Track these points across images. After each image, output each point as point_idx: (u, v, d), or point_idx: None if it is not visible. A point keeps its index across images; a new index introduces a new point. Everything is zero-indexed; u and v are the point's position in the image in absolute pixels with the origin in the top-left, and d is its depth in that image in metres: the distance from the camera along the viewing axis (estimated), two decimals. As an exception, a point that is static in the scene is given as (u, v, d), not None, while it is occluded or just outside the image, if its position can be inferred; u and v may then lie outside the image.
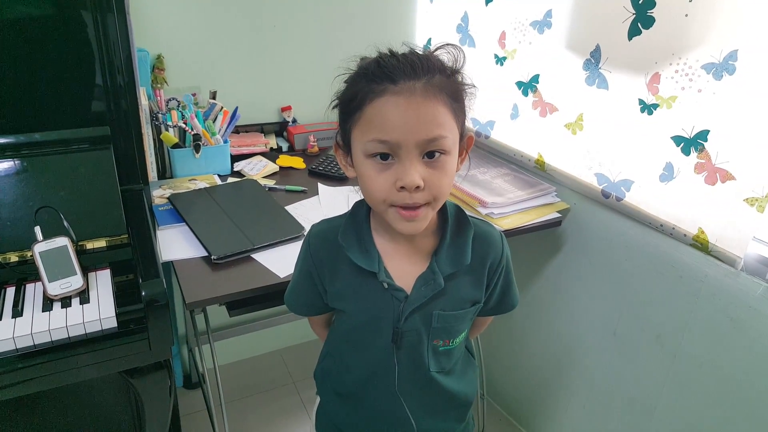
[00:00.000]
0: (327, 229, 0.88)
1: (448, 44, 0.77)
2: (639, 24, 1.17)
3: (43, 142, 1.13)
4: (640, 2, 1.16)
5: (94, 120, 1.18)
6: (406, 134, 0.71)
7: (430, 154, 0.73)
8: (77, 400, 1.22)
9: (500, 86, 1.58)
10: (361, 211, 0.86)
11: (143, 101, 1.36)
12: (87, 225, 1.11)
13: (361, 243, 0.84)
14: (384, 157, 0.73)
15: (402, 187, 0.72)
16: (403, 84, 0.71)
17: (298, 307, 0.95)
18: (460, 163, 0.81)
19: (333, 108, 0.80)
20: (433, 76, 0.73)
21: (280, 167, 1.61)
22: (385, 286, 0.82)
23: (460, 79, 0.77)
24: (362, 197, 0.82)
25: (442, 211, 0.85)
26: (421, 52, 0.76)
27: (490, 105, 1.64)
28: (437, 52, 0.77)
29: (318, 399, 1.05)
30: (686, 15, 1.08)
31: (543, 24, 1.41)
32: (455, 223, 0.85)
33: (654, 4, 1.13)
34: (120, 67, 1.15)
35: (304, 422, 1.80)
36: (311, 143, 1.73)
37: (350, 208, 0.88)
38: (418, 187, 0.72)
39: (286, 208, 1.36)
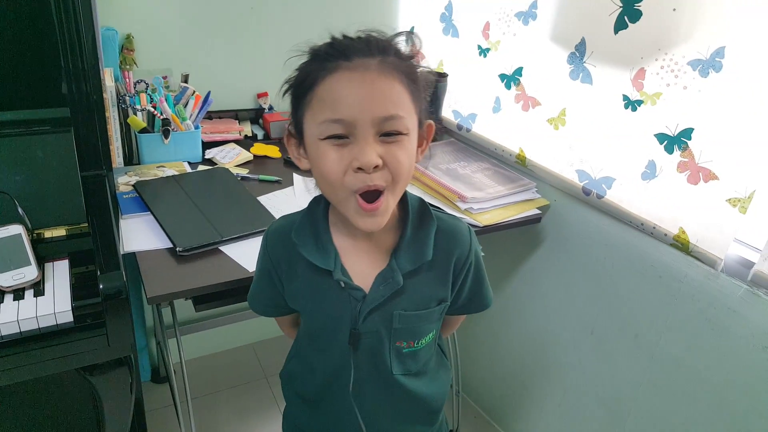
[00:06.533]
0: (284, 225, 0.83)
1: (404, 31, 0.74)
2: (626, 17, 1.14)
3: (-2, 123, 1.07)
4: (627, -5, 1.13)
5: (54, 102, 1.11)
6: (362, 112, 0.66)
7: (387, 134, 0.68)
8: (32, 398, 1.16)
9: (483, 78, 1.54)
10: (319, 207, 0.81)
11: (109, 83, 1.29)
12: (44, 212, 1.04)
13: (317, 240, 0.79)
14: (339, 138, 0.68)
15: (359, 168, 0.67)
16: (358, 60, 0.67)
17: (262, 308, 0.91)
18: (420, 154, 0.76)
19: (283, 95, 0.75)
20: (388, 55, 0.69)
21: (255, 156, 1.55)
22: (342, 285, 0.78)
23: (416, 63, 0.73)
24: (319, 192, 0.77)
25: (404, 205, 0.80)
26: (376, 35, 0.71)
27: (472, 97, 1.60)
28: (394, 39, 0.73)
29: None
30: (674, 9, 1.06)
31: (528, 15, 1.37)
32: (417, 218, 0.81)
33: (642, -3, 1.11)
34: (82, 48, 1.08)
35: (276, 418, 1.76)
36: (288, 132, 1.67)
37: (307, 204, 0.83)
38: (376, 167, 0.67)
39: (259, 198, 1.31)
